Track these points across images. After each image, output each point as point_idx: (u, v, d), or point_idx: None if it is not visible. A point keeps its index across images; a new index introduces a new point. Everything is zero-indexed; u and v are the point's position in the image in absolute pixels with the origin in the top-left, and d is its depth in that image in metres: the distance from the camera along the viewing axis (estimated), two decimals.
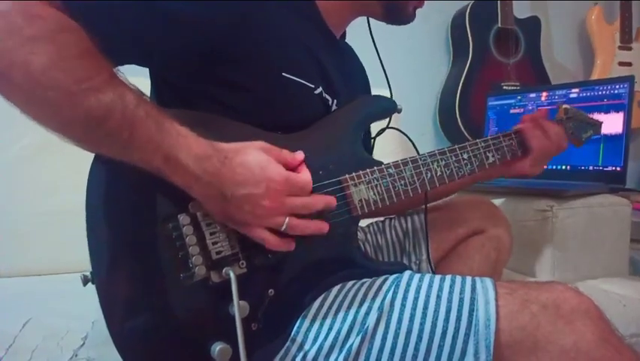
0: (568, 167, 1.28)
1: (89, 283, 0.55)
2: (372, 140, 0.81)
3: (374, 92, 0.88)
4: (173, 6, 0.55)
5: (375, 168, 0.66)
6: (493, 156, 0.78)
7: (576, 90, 1.29)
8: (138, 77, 0.56)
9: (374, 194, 0.65)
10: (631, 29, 2.08)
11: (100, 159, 0.55)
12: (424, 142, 1.92)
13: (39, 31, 0.45)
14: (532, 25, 1.98)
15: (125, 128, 0.48)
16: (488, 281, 0.58)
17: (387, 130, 0.82)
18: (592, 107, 1.22)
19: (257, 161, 0.53)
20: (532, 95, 1.39)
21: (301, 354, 0.57)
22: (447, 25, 1.98)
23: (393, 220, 0.94)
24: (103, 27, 0.50)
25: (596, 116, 0.98)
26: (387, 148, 0.90)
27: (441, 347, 0.54)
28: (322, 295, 0.61)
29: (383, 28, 0.81)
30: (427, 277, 0.60)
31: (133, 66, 0.56)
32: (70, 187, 0.94)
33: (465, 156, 0.75)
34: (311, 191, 0.57)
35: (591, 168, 1.23)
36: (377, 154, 0.75)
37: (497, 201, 1.14)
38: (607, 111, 1.20)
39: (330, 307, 0.60)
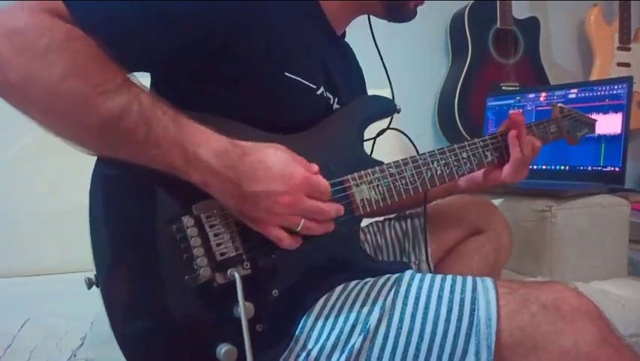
0: (567, 167, 1.28)
1: (94, 287, 0.55)
2: (373, 140, 0.81)
3: (375, 92, 0.88)
4: (175, 6, 0.55)
5: (377, 168, 0.66)
6: (491, 154, 0.79)
7: (575, 91, 1.29)
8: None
9: (376, 194, 0.65)
10: (630, 30, 2.08)
11: (103, 162, 0.55)
12: (423, 142, 1.92)
13: (51, 43, 0.45)
14: (532, 26, 1.98)
15: (141, 125, 0.48)
16: (489, 281, 0.58)
17: (386, 130, 0.82)
18: (591, 107, 1.22)
19: (277, 158, 0.53)
20: (531, 95, 1.39)
21: (304, 354, 0.58)
22: (446, 26, 1.98)
23: (392, 220, 0.95)
24: (110, 34, 0.50)
25: (595, 116, 0.99)
26: (386, 148, 0.91)
27: (442, 346, 0.54)
28: (325, 295, 0.62)
29: (382, 29, 0.81)
30: (428, 276, 0.60)
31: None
32: (69, 187, 0.94)
33: (464, 155, 0.75)
34: (330, 197, 0.57)
35: (590, 168, 1.23)
36: (377, 154, 0.75)
37: (496, 202, 1.14)
38: (606, 112, 1.20)
39: (333, 307, 0.60)
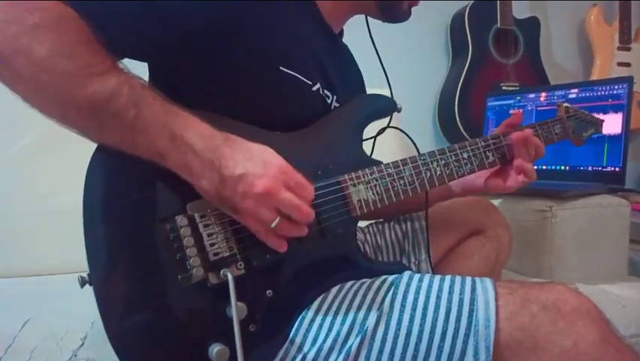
0: (567, 167, 1.28)
1: (87, 285, 0.55)
2: (373, 139, 0.81)
3: (374, 92, 0.88)
4: (172, 2, 0.55)
5: (375, 168, 0.66)
6: (493, 155, 0.78)
7: (575, 91, 1.29)
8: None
9: (373, 194, 0.65)
10: (630, 30, 2.08)
11: (98, 160, 0.55)
12: (424, 143, 1.92)
13: (42, 20, 0.46)
14: (532, 26, 1.98)
15: (131, 107, 0.48)
16: (488, 281, 0.58)
17: (387, 130, 0.82)
18: (591, 107, 1.22)
19: (257, 146, 0.54)
20: (532, 95, 1.39)
21: (300, 356, 0.57)
22: (446, 26, 1.98)
23: (392, 221, 0.94)
24: (104, 21, 0.50)
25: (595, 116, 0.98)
26: (387, 148, 0.90)
27: (441, 347, 0.54)
28: (321, 296, 0.61)
29: (383, 29, 0.81)
30: (427, 277, 0.60)
31: (133, 66, 0.56)
32: (69, 187, 0.93)
33: (465, 155, 0.74)
34: (312, 199, 0.55)
35: (590, 168, 1.23)
36: (377, 154, 0.75)
37: (496, 202, 1.14)
38: (606, 112, 1.20)
39: (329, 308, 0.60)
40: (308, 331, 0.58)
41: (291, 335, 0.58)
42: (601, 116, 1.03)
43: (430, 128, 2.01)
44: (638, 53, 2.09)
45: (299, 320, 0.59)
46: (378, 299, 0.58)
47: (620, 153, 1.17)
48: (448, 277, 0.60)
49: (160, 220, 0.54)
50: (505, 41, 1.91)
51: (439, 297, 0.56)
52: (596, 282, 1.09)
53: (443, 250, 0.92)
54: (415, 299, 0.57)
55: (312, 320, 0.59)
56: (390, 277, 0.61)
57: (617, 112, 1.19)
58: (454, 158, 0.73)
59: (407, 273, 0.62)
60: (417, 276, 0.61)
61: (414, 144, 0.79)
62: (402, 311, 0.56)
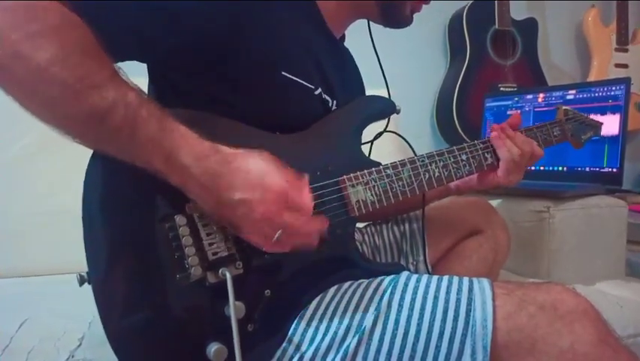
0: (564, 168, 1.28)
1: (85, 284, 0.55)
2: (370, 143, 0.81)
3: (373, 93, 0.88)
4: (174, 4, 0.55)
5: (373, 169, 0.66)
6: (491, 157, 0.78)
7: (573, 92, 1.29)
8: (139, 78, 0.55)
9: (372, 195, 0.65)
10: (627, 31, 2.09)
11: (97, 159, 0.55)
12: (422, 144, 1.92)
13: (43, 26, 0.45)
14: (529, 27, 1.98)
15: (126, 125, 0.48)
16: (485, 282, 0.58)
17: (383, 133, 0.82)
18: (589, 108, 1.22)
19: (258, 166, 0.52)
20: (529, 96, 1.39)
21: (298, 355, 0.57)
22: (444, 27, 1.98)
23: (390, 222, 0.94)
24: (105, 23, 0.50)
25: (593, 117, 0.99)
26: (385, 150, 0.90)
27: (438, 347, 0.54)
28: (319, 296, 0.61)
29: (381, 30, 0.81)
30: (425, 277, 0.60)
31: (132, 66, 0.56)
32: (68, 188, 0.93)
33: (463, 157, 0.75)
34: (311, 213, 0.55)
35: (588, 169, 1.23)
36: (375, 155, 0.75)
37: (494, 202, 1.15)
38: (604, 113, 1.20)
39: (327, 308, 0.60)
40: (306, 330, 0.58)
41: (288, 334, 0.58)
42: (598, 117, 1.03)
43: (427, 128, 2.01)
44: (636, 55, 2.10)
45: (297, 319, 0.59)
46: (376, 299, 0.58)
47: (618, 154, 1.17)
48: (445, 278, 0.60)
49: (159, 219, 0.54)
50: (503, 42, 1.91)
51: (436, 297, 0.57)
52: (593, 282, 1.09)
53: (441, 250, 0.92)
54: (413, 299, 0.57)
55: (310, 320, 0.59)
56: (388, 278, 0.62)
57: (614, 113, 1.19)
58: (452, 160, 0.73)
59: (405, 273, 0.62)
60: (414, 276, 0.61)
61: (411, 147, 0.79)
62: (399, 311, 0.56)
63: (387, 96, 0.78)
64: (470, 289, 0.57)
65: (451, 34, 1.96)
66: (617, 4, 2.07)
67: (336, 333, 0.57)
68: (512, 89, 1.89)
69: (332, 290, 0.62)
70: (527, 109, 1.39)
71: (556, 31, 2.19)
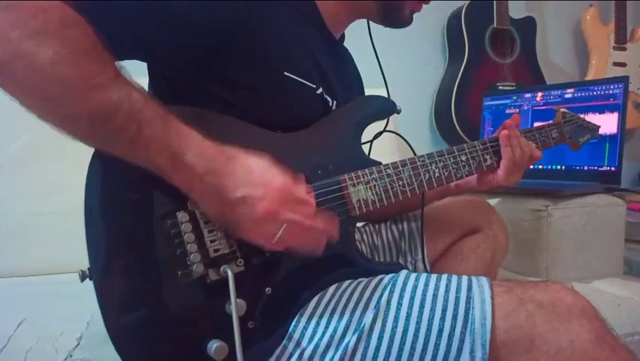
0: (563, 167, 1.28)
1: (85, 281, 0.55)
2: (370, 143, 0.81)
3: (372, 92, 0.88)
4: (177, 5, 0.55)
5: (374, 168, 0.66)
6: (491, 158, 0.78)
7: (571, 90, 1.29)
8: (139, 78, 0.55)
9: (372, 194, 0.65)
10: (625, 30, 2.09)
11: (99, 156, 0.55)
12: (420, 143, 1.92)
13: (45, 25, 0.45)
14: (528, 26, 1.98)
15: (131, 125, 0.48)
16: (484, 280, 0.58)
17: (383, 133, 0.82)
18: (587, 107, 1.23)
19: (258, 165, 0.53)
20: (528, 95, 1.40)
21: (298, 352, 0.57)
22: (443, 26, 1.98)
23: (389, 221, 0.94)
24: (107, 23, 0.50)
25: (591, 116, 0.99)
26: (384, 149, 0.90)
27: (437, 345, 0.54)
28: (319, 294, 0.62)
29: (380, 29, 0.81)
30: (424, 276, 0.60)
31: (133, 65, 0.56)
32: (65, 188, 0.93)
33: (463, 157, 0.75)
34: (314, 211, 0.55)
35: (586, 168, 1.23)
36: (374, 155, 0.75)
37: (493, 201, 1.15)
38: (602, 112, 1.20)
39: (326, 306, 0.60)
40: (305, 328, 0.59)
41: (288, 332, 0.59)
42: (597, 115, 1.04)
43: (426, 127, 2.01)
44: (634, 53, 2.10)
45: (297, 317, 0.60)
46: (375, 298, 0.58)
47: (616, 153, 1.18)
48: (444, 276, 0.60)
49: (161, 216, 0.55)
50: (502, 41, 1.91)
51: (435, 295, 0.57)
52: (591, 281, 1.10)
53: (440, 249, 0.92)
54: (412, 298, 0.57)
55: (310, 318, 0.59)
56: (387, 276, 0.62)
57: (612, 112, 1.19)
58: (452, 160, 0.73)
59: (404, 272, 0.62)
60: (413, 275, 0.61)
61: (410, 146, 0.79)
62: (398, 309, 0.56)
63: (386, 96, 0.78)
64: (469, 288, 0.57)
65: (449, 33, 1.96)
66: (616, 3, 2.07)
67: (335, 331, 0.57)
68: (511, 88, 1.89)
69: (332, 288, 0.62)
70: (526, 108, 1.39)
71: (554, 30, 2.19)
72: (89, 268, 0.54)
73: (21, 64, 0.44)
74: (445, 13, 1.96)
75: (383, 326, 0.56)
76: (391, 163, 0.68)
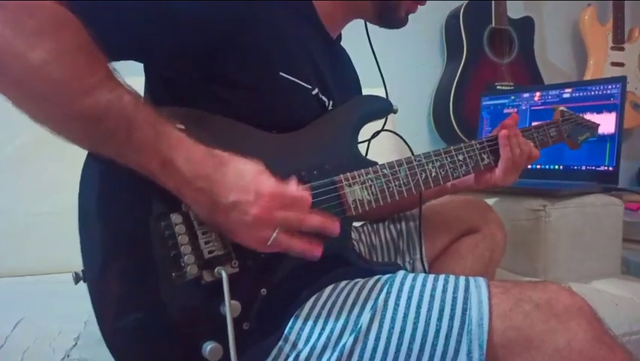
0: (561, 167, 1.28)
1: (81, 282, 0.55)
2: (367, 142, 0.81)
3: (369, 92, 0.88)
4: (176, 5, 0.55)
5: (370, 168, 0.66)
6: (488, 157, 0.78)
7: (569, 90, 1.29)
8: (133, 77, 0.55)
9: (368, 194, 0.65)
10: (623, 30, 2.09)
11: (93, 157, 0.55)
12: (419, 142, 1.92)
13: (38, 25, 0.44)
14: (526, 26, 1.98)
15: (122, 129, 0.47)
16: (481, 281, 0.58)
17: (381, 132, 0.82)
18: (585, 107, 1.23)
19: (249, 169, 0.53)
20: (526, 95, 1.40)
21: (294, 354, 0.57)
22: (441, 26, 1.98)
23: (387, 221, 0.94)
24: (103, 23, 0.50)
25: (589, 116, 0.99)
26: (382, 149, 0.90)
27: (434, 346, 0.54)
28: (315, 295, 0.61)
29: (377, 29, 0.81)
30: (421, 276, 0.60)
31: (129, 65, 0.56)
32: (62, 188, 0.93)
33: (460, 157, 0.75)
34: (309, 206, 0.55)
35: (584, 167, 1.23)
36: (372, 155, 0.75)
37: (490, 201, 1.15)
38: (600, 111, 1.21)
39: (323, 307, 0.60)
40: (302, 329, 0.58)
41: (284, 333, 0.58)
42: (594, 115, 1.04)
43: (424, 127, 2.01)
44: (632, 53, 2.10)
45: (293, 318, 0.59)
46: (372, 298, 0.58)
47: (614, 153, 1.18)
48: (441, 277, 0.60)
49: (155, 218, 0.54)
50: (500, 41, 1.92)
51: (432, 296, 0.57)
52: (589, 281, 1.10)
53: (438, 249, 0.92)
54: (409, 298, 0.57)
55: (306, 319, 0.59)
56: (384, 277, 0.62)
57: (610, 112, 1.20)
58: (449, 159, 0.73)
59: (401, 272, 0.62)
60: (410, 275, 0.61)
61: (408, 146, 0.79)
62: (395, 310, 0.56)
63: (384, 95, 0.78)
64: (466, 288, 0.57)
65: (447, 32, 1.96)
66: (614, 3, 2.07)
67: (332, 332, 0.57)
68: (509, 88, 1.89)
69: (328, 289, 0.62)
70: (524, 107, 1.39)
71: (552, 30, 2.19)
72: (82, 271, 0.54)
73: (14, 63, 0.44)
74: (443, 13, 1.96)
75: (380, 326, 0.56)
76: (387, 163, 0.68)
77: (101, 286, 0.53)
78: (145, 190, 0.54)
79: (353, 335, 0.55)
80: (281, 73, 0.63)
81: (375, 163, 0.68)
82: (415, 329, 0.55)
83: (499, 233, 0.94)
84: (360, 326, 0.56)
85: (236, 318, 0.53)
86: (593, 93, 1.24)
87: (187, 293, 0.54)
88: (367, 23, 0.81)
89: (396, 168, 0.68)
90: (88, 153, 0.55)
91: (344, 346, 0.55)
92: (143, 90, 0.67)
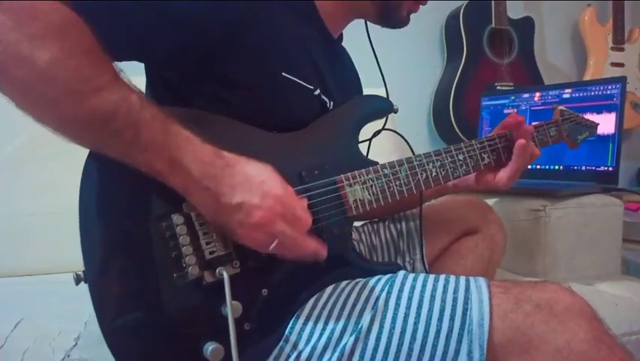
0: (561, 167, 1.28)
1: (82, 283, 0.55)
2: (368, 141, 0.81)
3: (370, 91, 0.88)
4: (176, 5, 0.55)
5: (371, 168, 0.66)
6: (488, 157, 0.78)
7: (569, 91, 1.29)
8: (134, 77, 0.55)
9: (369, 194, 0.65)
10: (623, 30, 2.09)
11: (94, 157, 0.55)
12: (419, 142, 1.92)
13: (44, 27, 0.44)
14: (526, 26, 1.99)
15: (129, 129, 0.47)
16: (482, 281, 0.58)
17: (381, 131, 0.82)
18: (585, 107, 1.23)
19: (257, 171, 0.53)
20: (526, 95, 1.40)
21: (295, 354, 0.57)
22: (441, 26, 1.98)
23: (387, 221, 0.94)
24: (105, 23, 0.50)
25: (589, 116, 0.99)
26: (382, 148, 0.90)
27: (435, 346, 0.54)
28: (316, 295, 0.61)
29: (378, 29, 0.81)
30: (421, 276, 0.60)
31: (129, 65, 0.56)
32: (62, 187, 0.93)
33: (460, 157, 0.75)
34: (308, 228, 0.55)
35: (584, 168, 1.23)
36: (373, 154, 0.75)
37: (490, 201, 1.15)
38: (599, 112, 1.21)
39: (323, 307, 0.60)
40: (302, 330, 0.58)
41: (285, 333, 0.58)
42: (594, 115, 1.03)
43: (424, 127, 2.01)
44: (632, 54, 2.10)
45: (293, 318, 0.59)
46: (373, 298, 0.58)
47: (614, 153, 1.18)
48: (442, 277, 0.60)
49: (156, 218, 0.54)
50: (500, 41, 1.92)
51: (433, 296, 0.57)
52: (589, 281, 1.10)
53: (438, 249, 0.92)
54: (409, 298, 0.57)
55: (307, 319, 0.59)
56: (385, 277, 0.62)
57: (610, 112, 1.20)
58: (449, 159, 0.73)
59: (401, 272, 0.62)
60: (411, 275, 0.61)
61: (408, 145, 0.79)
62: (396, 310, 0.56)
63: (384, 95, 0.78)
64: (467, 288, 0.57)
65: (447, 33, 1.96)
66: (613, 3, 2.07)
67: (332, 332, 0.57)
68: (509, 88, 1.89)
69: (329, 289, 0.62)
70: (524, 108, 1.39)
71: (552, 30, 2.19)
72: (83, 271, 0.54)
73: (20, 66, 0.44)
74: (443, 13, 1.96)
75: (381, 327, 0.56)
76: (388, 163, 0.68)
77: (102, 287, 0.53)
78: (146, 191, 0.54)
79: (354, 336, 0.55)
80: (283, 73, 0.63)
81: (376, 163, 0.68)
82: (415, 330, 0.55)
83: (500, 233, 0.94)
84: (361, 327, 0.56)
85: (237, 319, 0.53)
86: (592, 93, 1.24)
87: (188, 294, 0.54)
88: (368, 23, 0.81)
89: (397, 168, 0.68)
90: (89, 153, 0.55)
91: (345, 346, 0.55)
92: (145, 90, 0.67)
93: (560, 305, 0.53)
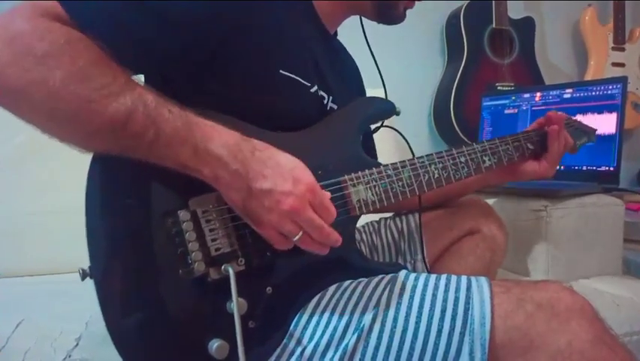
0: (562, 167, 1.28)
1: (87, 279, 0.55)
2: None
3: (369, 92, 0.88)
4: (172, 6, 0.55)
5: (374, 169, 0.66)
6: (489, 160, 0.79)
7: (570, 91, 1.29)
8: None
9: (372, 195, 0.65)
10: (624, 30, 2.09)
11: (100, 156, 0.55)
12: (419, 143, 1.92)
13: (51, 46, 0.45)
14: (527, 26, 1.98)
15: (149, 127, 0.48)
16: (483, 280, 0.58)
17: (382, 130, 0.82)
18: (585, 107, 1.23)
19: (287, 160, 0.53)
20: (527, 95, 1.40)
21: (298, 352, 0.58)
22: (441, 26, 1.98)
23: (388, 220, 0.95)
24: (107, 34, 0.50)
25: (589, 116, 0.99)
26: (382, 148, 0.91)
27: (436, 345, 0.54)
28: (319, 294, 0.62)
29: (378, 28, 0.81)
30: (423, 276, 0.61)
31: None
32: (62, 186, 0.93)
33: (462, 159, 0.75)
34: (333, 219, 0.55)
35: (585, 168, 1.23)
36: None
37: (491, 201, 1.15)
38: (600, 112, 1.21)
39: (326, 306, 0.60)
40: (305, 328, 0.59)
41: (289, 331, 0.59)
42: (595, 116, 1.03)
43: (425, 128, 2.01)
44: (632, 54, 2.10)
45: (297, 317, 0.60)
46: (375, 298, 0.58)
47: (615, 153, 1.18)
48: (443, 276, 0.60)
49: (162, 215, 0.55)
50: (501, 41, 1.92)
51: (434, 296, 0.57)
52: (590, 281, 1.10)
53: (439, 249, 0.92)
54: (411, 298, 0.57)
55: (310, 318, 0.59)
56: (387, 276, 0.62)
57: (611, 112, 1.19)
58: (451, 161, 0.74)
59: (403, 272, 0.62)
60: (413, 275, 0.61)
61: (408, 144, 0.80)
62: (398, 310, 0.56)
63: (384, 96, 0.78)
64: (468, 288, 0.57)
65: (448, 33, 1.96)
66: (614, 3, 2.07)
67: (335, 330, 0.57)
68: (510, 88, 1.89)
69: (332, 288, 0.62)
70: (524, 108, 1.39)
71: (553, 31, 2.19)
72: (89, 267, 0.54)
73: (36, 90, 0.45)
74: (443, 13, 1.96)
75: (382, 325, 0.56)
76: (391, 164, 0.68)
77: (108, 283, 0.53)
78: (152, 187, 0.55)
79: (356, 334, 0.56)
80: (281, 71, 0.63)
81: (380, 164, 0.68)
82: (417, 329, 0.55)
83: (500, 234, 0.94)
84: (363, 325, 0.56)
85: (242, 316, 0.54)
86: (593, 93, 1.23)
87: (193, 291, 0.55)
88: (364, 23, 0.81)
89: (400, 169, 0.69)
90: (94, 153, 0.55)
91: (347, 344, 0.56)
92: None
93: (562, 305, 0.53)
